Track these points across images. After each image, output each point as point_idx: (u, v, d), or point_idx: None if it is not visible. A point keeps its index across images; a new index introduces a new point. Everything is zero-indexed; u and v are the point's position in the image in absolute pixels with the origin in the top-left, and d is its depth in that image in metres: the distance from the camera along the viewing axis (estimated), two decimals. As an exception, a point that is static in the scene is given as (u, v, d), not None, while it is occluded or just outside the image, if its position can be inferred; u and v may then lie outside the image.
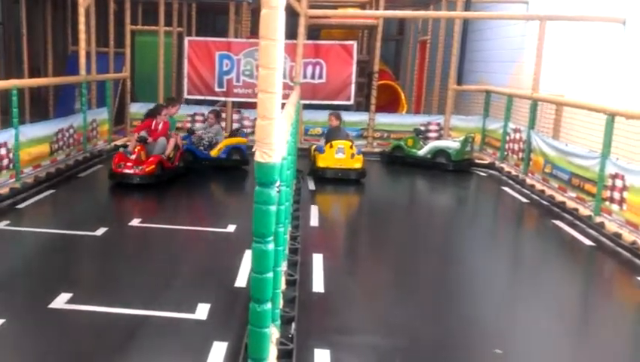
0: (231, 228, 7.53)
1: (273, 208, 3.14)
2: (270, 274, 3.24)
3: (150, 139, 9.86)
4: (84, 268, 6.14)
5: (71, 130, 10.80)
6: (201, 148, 10.95)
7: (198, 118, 13.75)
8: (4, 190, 8.37)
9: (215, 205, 9.42)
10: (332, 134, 10.94)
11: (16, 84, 9.55)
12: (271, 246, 3.18)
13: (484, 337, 5.03)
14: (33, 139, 9.44)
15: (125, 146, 10.43)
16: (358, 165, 10.62)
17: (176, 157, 10.20)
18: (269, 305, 3.28)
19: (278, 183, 3.20)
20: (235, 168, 11.07)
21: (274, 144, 3.01)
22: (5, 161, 8.58)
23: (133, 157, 9.51)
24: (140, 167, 9.37)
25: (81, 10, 11.65)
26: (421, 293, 5.93)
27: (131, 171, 9.34)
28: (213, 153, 10.91)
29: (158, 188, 9.30)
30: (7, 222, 7.39)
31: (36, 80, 13.22)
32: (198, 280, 5.90)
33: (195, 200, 9.82)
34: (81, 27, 11.68)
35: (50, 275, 5.81)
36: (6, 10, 15.02)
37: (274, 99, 2.96)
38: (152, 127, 10.06)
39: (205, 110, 13.76)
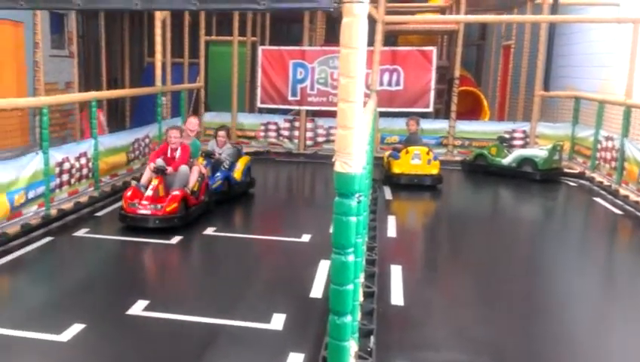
0: (305, 237, 7.57)
1: (353, 219, 3.13)
2: (350, 286, 3.23)
3: (170, 170, 7.99)
4: (160, 276, 6.31)
5: (146, 140, 11.18)
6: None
7: (271, 127, 13.96)
8: (84, 198, 8.76)
9: (289, 214, 9.46)
10: (410, 140, 10.95)
11: (96, 95, 10.03)
12: (351, 258, 3.17)
13: (574, 356, 4.83)
14: (111, 149, 9.83)
15: (138, 179, 8.71)
16: (434, 171, 10.66)
17: (201, 190, 8.39)
18: (349, 318, 3.26)
19: (358, 194, 3.19)
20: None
21: (354, 154, 3.01)
22: (85, 171, 8.97)
23: (149, 193, 7.74)
24: (159, 206, 7.63)
25: (158, 23, 12.09)
26: (506, 308, 5.75)
27: (147, 211, 7.58)
28: (238, 176, 9.53)
29: (232, 197, 9.37)
30: (87, 229, 7.72)
31: (114, 91, 13.78)
32: (273, 290, 5.94)
33: (269, 209, 9.93)
34: (158, 39, 12.12)
35: (127, 282, 6.00)
36: (85, 23, 15.77)
37: (354, 108, 2.97)
38: (169, 153, 8.26)
39: (278, 119, 13.98)
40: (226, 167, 9.35)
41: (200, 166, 8.54)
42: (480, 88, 16.60)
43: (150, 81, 13.13)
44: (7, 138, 8.56)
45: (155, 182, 7.83)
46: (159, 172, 7.91)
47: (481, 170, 12.03)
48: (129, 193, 7.79)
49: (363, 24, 2.92)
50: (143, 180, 8.07)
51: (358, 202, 3.31)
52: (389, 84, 13.11)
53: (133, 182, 8.34)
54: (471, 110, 15.12)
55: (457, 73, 13.37)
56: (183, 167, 8.13)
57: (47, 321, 5.03)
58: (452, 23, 13.89)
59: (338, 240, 3.15)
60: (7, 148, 9.40)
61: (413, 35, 15.62)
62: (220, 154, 9.52)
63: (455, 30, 13.70)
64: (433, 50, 13.34)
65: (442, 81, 14.30)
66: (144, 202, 7.64)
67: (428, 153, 10.67)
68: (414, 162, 10.63)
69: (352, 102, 2.96)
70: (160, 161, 8.07)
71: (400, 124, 12.82)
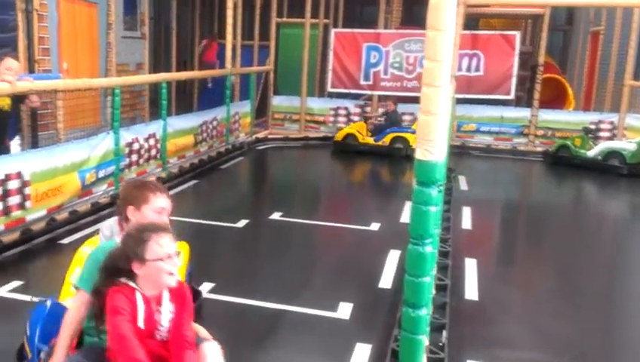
0: (375, 226, 7.51)
1: (433, 209, 3.08)
2: (427, 279, 3.19)
3: None
4: (225, 259, 6.39)
5: (214, 123, 11.35)
6: None
7: (340, 112, 13.90)
8: (152, 179, 8.95)
9: (359, 202, 9.40)
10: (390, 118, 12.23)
11: (166, 77, 10.25)
12: (429, 249, 3.12)
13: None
14: (179, 131, 10.02)
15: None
16: None
17: None
18: (424, 311, 3.21)
19: (439, 183, 3.14)
20: None
21: (437, 141, 2.96)
22: (153, 151, 9.18)
23: None
24: None
25: (230, 4, 12.23)
26: (588, 308, 5.55)
27: None
28: None
29: (299, 183, 9.41)
30: (154, 210, 7.86)
31: (183, 73, 14.05)
32: (339, 278, 5.92)
33: (338, 196, 9.92)
34: (229, 20, 12.26)
35: (194, 264, 6.08)
36: (158, 5, 16.14)
37: (439, 93, 2.92)
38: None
39: (349, 104, 13.90)
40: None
41: None
42: (565, 76, 16.10)
43: (220, 64, 13.34)
44: (79, 118, 8.84)
45: None
46: None
47: (564, 162, 11.69)
48: None
49: (452, 5, 2.86)
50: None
51: (440, 191, 3.24)
52: (468, 70, 12.86)
53: None
54: (555, 98, 14.69)
55: (542, 59, 12.99)
56: None
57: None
58: (538, 6, 13.48)
59: (416, 230, 3.09)
60: (79, 127, 9.72)
61: (495, 19, 15.25)
62: None
63: (540, 14, 13.30)
64: (517, 34, 13.01)
65: (525, 67, 13.92)
66: None
67: None
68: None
69: (438, 87, 2.91)
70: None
71: (479, 111, 12.66)
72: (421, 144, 2.98)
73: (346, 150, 12.10)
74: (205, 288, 5.39)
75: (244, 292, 5.41)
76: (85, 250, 3.72)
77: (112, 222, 3.53)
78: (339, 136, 12.41)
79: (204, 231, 7.27)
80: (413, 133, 11.67)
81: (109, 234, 3.49)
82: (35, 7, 9.26)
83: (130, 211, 3.10)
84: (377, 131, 12.19)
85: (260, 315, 5.01)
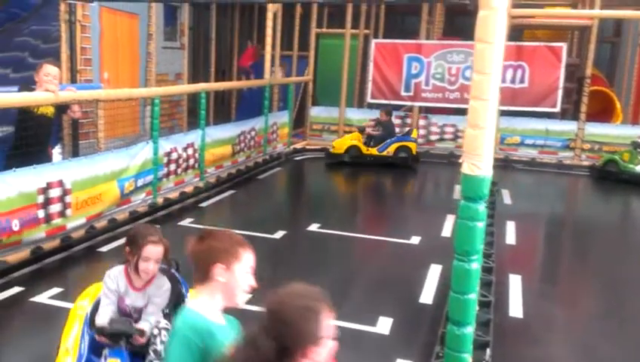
0: (415, 239, 7.45)
1: (480, 225, 3.04)
2: (473, 296, 3.15)
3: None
4: (262, 270, 6.34)
5: (252, 133, 11.42)
6: None
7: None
8: (189, 188, 9.06)
9: (397, 215, 9.34)
10: (387, 128, 12.15)
11: (205, 87, 10.37)
12: (475, 266, 3.09)
13: None
14: (217, 141, 10.11)
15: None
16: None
17: None
18: (469, 329, 3.17)
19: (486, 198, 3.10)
20: None
21: (484, 155, 2.92)
22: (191, 161, 9.27)
23: None
24: None
25: (269, 15, 12.34)
26: (636, 326, 5.42)
27: None
28: None
29: (337, 194, 9.38)
30: (191, 219, 7.97)
31: (223, 83, 14.22)
32: (379, 292, 5.87)
33: (376, 208, 9.86)
34: (268, 31, 12.37)
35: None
36: (197, 15, 16.37)
37: (487, 106, 2.90)
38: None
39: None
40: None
41: None
42: (612, 89, 15.80)
43: (258, 74, 13.45)
44: (119, 127, 9.02)
45: None
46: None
47: (611, 177, 11.45)
48: None
49: (501, 18, 2.83)
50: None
51: (486, 206, 3.21)
52: (513, 81, 12.72)
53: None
54: (602, 112, 14.43)
55: (589, 72, 12.77)
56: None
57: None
58: (585, 17, 13.27)
59: (462, 246, 3.07)
60: (119, 136, 9.89)
61: (540, 30, 15.06)
62: (138, 313, 3.35)
63: (588, 25, 13.09)
64: (563, 46, 12.83)
65: (571, 79, 13.71)
66: None
67: None
68: None
69: (486, 101, 2.88)
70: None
71: (523, 123, 12.51)
72: (468, 158, 2.94)
73: (353, 162, 11.90)
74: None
75: (281, 304, 5.39)
76: (82, 305, 3.34)
77: (116, 273, 3.29)
78: (339, 148, 12.15)
79: (242, 242, 7.28)
80: (415, 141, 11.77)
81: (114, 287, 3.28)
82: (78, 18, 9.48)
83: (219, 271, 2.39)
84: (375, 142, 12.08)
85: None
